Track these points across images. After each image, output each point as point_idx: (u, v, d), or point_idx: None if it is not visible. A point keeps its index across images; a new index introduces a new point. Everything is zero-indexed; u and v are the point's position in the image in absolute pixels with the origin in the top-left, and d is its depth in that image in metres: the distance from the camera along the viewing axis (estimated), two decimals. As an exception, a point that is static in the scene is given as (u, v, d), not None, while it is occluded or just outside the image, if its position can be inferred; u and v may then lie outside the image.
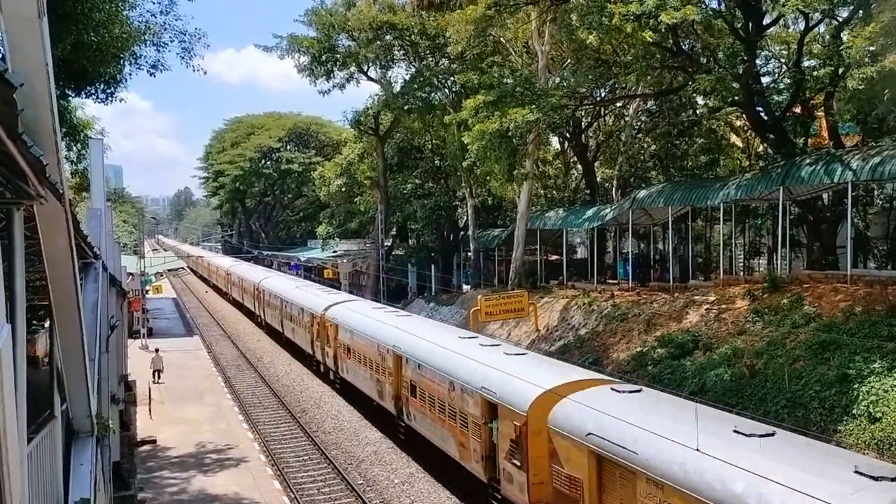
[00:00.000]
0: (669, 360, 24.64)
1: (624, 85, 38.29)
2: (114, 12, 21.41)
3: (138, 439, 25.36)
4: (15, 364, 5.50)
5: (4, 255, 6.00)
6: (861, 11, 26.33)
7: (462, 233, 55.87)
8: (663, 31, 25.78)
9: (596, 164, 47.59)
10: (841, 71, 25.02)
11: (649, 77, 32.64)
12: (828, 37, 28.05)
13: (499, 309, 32.72)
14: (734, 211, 33.78)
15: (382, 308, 32.78)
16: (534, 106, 29.94)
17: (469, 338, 22.60)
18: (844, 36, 26.27)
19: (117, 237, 43.48)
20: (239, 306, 63.50)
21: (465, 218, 52.59)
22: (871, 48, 24.00)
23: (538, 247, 44.67)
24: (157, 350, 36.64)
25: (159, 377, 34.45)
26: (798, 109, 32.01)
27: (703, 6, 26.77)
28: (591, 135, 47.90)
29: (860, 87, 23.70)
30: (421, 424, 21.51)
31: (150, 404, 29.06)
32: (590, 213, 39.42)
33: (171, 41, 25.80)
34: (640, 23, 24.90)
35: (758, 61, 31.09)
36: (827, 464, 10.71)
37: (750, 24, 28.69)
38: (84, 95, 24.87)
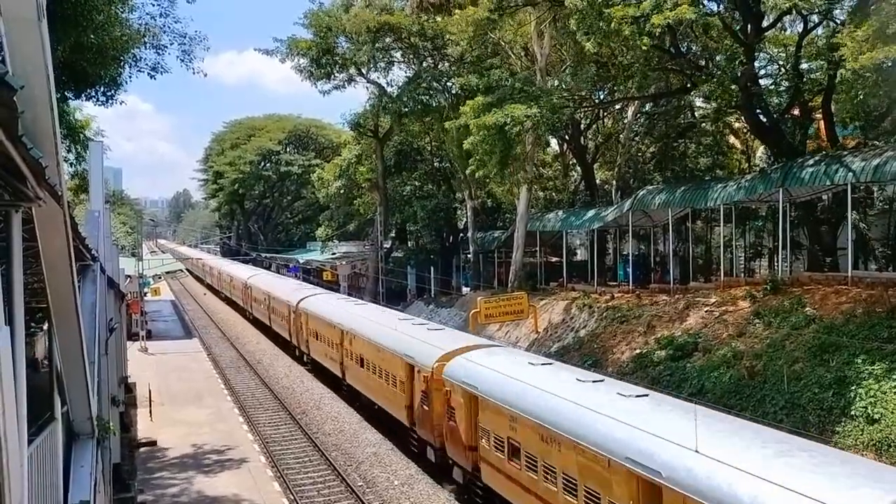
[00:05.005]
0: (669, 362, 24.66)
1: (622, 87, 38.26)
2: (113, 14, 21.41)
3: (138, 441, 25.36)
4: (14, 366, 5.49)
5: (3, 257, 6.00)
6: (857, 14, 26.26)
7: (461, 235, 55.86)
8: (658, 34, 25.70)
9: (595, 165, 47.59)
10: (839, 71, 24.90)
11: (648, 80, 32.60)
12: (825, 39, 28.01)
13: (498, 311, 32.68)
14: (734, 213, 33.79)
15: (564, 368, 19.06)
16: (532, 103, 30.00)
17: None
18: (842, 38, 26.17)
19: (115, 239, 43.56)
20: (261, 327, 50.56)
21: (465, 220, 52.59)
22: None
23: (538, 248, 44.65)
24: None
25: None
26: (796, 111, 32.03)
27: (700, 7, 26.70)
28: (589, 136, 47.92)
29: (861, 76, 23.10)
30: None
31: (150, 406, 29.06)
32: (589, 214, 39.39)
33: (171, 44, 25.88)
34: (637, 26, 24.81)
35: (756, 63, 31.08)
36: None
37: (749, 27, 28.71)
38: (84, 98, 24.88)
